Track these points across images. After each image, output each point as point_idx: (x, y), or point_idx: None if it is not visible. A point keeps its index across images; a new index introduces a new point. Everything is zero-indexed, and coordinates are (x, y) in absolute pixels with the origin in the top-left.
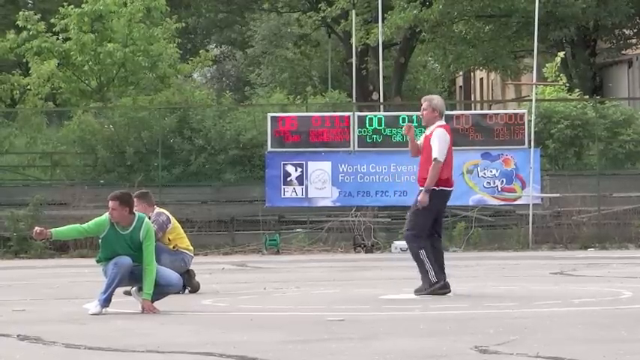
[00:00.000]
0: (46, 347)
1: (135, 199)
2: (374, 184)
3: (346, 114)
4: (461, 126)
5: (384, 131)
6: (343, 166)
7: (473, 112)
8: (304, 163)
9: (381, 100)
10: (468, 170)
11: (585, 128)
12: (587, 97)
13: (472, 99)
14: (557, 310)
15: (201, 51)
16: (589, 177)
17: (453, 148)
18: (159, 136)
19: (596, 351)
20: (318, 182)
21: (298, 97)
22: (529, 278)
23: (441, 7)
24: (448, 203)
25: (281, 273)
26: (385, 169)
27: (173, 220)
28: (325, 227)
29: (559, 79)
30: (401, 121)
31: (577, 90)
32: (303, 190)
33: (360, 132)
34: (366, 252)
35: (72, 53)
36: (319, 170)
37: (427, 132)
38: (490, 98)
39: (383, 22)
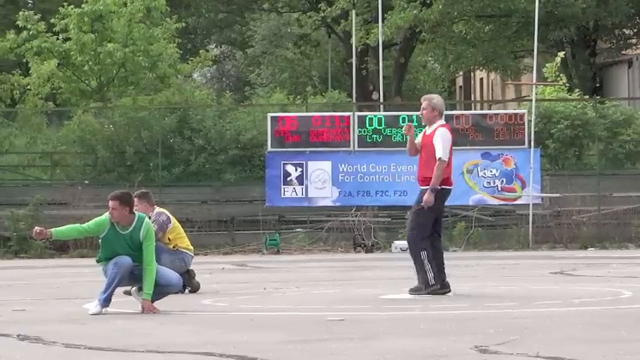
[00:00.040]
0: (46, 347)
1: (135, 199)
2: (374, 184)
3: (346, 114)
4: (461, 126)
5: (384, 131)
6: (343, 165)
7: (473, 112)
8: (304, 162)
9: (381, 100)
10: (468, 170)
11: (585, 128)
12: (587, 97)
13: (472, 99)
14: (557, 310)
15: (201, 51)
16: (589, 177)
17: (453, 147)
18: (159, 136)
19: (596, 351)
20: (318, 182)
21: (298, 97)
22: (529, 278)
23: (441, 7)
24: (448, 203)
25: (281, 273)
26: (385, 168)
27: (173, 219)
28: (325, 227)
29: (559, 79)
30: (401, 121)
31: (577, 90)
32: (303, 189)
33: (360, 132)
34: (366, 252)
35: (72, 53)
36: (319, 170)
37: (427, 131)
38: (490, 98)
39: (383, 22)
